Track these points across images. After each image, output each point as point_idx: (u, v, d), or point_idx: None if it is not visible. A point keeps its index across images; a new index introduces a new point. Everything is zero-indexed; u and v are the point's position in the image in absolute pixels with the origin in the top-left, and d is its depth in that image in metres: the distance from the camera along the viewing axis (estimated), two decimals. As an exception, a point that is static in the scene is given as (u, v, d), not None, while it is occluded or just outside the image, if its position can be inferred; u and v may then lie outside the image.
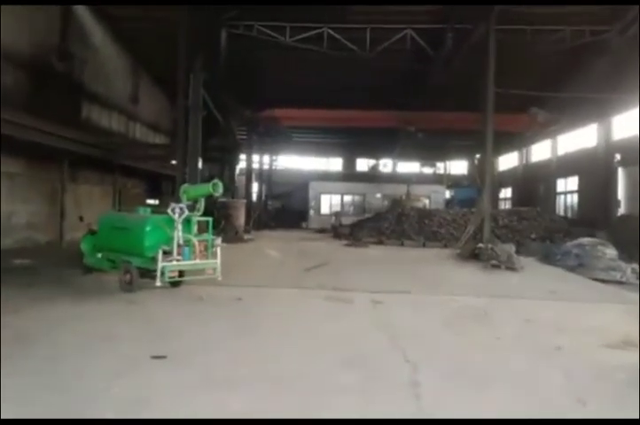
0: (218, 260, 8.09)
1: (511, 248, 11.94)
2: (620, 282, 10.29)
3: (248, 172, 23.10)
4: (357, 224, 20.65)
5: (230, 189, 18.03)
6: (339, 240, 18.31)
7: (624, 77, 15.62)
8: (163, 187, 21.87)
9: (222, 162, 19.05)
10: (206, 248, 8.20)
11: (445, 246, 16.29)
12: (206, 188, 8.00)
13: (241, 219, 15.60)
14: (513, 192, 27.99)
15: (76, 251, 9.16)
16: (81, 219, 12.12)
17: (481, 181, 13.66)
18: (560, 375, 4.33)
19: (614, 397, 3.90)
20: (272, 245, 15.12)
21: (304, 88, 21.07)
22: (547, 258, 12.72)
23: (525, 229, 17.47)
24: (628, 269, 10.79)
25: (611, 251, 11.55)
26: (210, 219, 8.39)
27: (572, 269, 11.44)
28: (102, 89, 17.49)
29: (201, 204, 8.33)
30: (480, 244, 12.74)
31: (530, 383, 4.14)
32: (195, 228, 8.22)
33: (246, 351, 4.76)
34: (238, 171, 25.93)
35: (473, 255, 12.82)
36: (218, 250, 8.18)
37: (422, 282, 9.48)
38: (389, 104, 21.64)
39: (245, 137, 24.38)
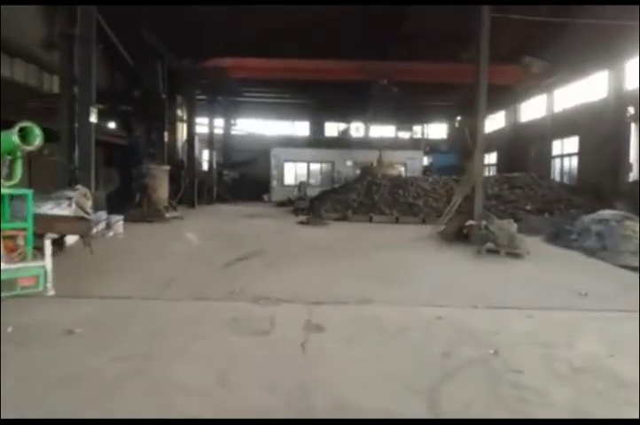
0: (47, 262, 4.82)
1: (512, 226, 8.90)
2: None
3: (190, 136, 19.36)
4: (320, 196, 17.43)
5: (154, 153, 14.39)
6: (297, 216, 15.12)
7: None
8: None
9: (148, 119, 15.31)
10: (27, 243, 4.91)
11: (423, 222, 13.31)
12: (8, 137, 4.61)
13: (162, 191, 12.11)
14: (499, 157, 24.94)
15: None
16: None
17: (472, 140, 10.48)
18: None
19: None
20: (202, 225, 11.74)
21: (258, 33, 17.34)
22: (557, 238, 9.78)
23: (518, 200, 14.56)
24: (668, 253, 7.93)
25: (643, 229, 8.64)
26: (29, 192, 5.00)
27: (592, 253, 8.56)
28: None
29: (17, 167, 4.99)
30: (471, 221, 9.70)
31: None
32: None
33: None
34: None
35: (461, 235, 9.82)
36: (47, 244, 4.89)
37: (391, 280, 6.41)
38: (358, 53, 18.13)
39: (185, 95, 20.56)
